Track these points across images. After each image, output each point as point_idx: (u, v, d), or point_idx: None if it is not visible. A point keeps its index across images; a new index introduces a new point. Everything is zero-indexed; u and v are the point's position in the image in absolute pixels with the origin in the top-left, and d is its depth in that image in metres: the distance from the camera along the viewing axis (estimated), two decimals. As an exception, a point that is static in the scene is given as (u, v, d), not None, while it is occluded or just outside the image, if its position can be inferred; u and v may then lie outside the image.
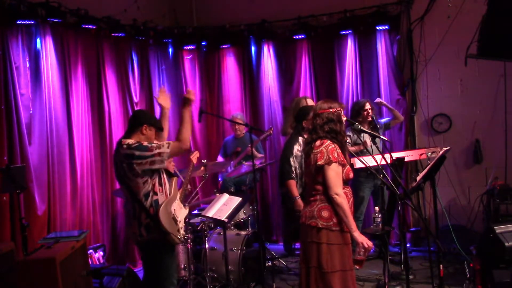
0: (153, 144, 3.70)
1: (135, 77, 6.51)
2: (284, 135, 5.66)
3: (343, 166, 3.56)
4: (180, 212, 3.93)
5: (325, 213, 3.49)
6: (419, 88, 6.56)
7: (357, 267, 3.54)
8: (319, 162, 3.50)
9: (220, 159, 6.87)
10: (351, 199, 3.65)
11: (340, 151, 3.55)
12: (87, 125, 5.83)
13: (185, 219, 4.09)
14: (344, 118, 3.66)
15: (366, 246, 3.43)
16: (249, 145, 6.31)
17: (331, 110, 3.60)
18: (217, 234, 5.37)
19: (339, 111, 3.63)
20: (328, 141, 3.55)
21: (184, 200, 4.26)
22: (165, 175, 3.85)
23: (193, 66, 7.43)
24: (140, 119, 3.83)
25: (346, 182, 3.60)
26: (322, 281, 3.49)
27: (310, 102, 5.34)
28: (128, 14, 6.26)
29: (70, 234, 4.31)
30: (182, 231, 3.90)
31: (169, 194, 3.84)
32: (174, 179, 3.97)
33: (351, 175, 3.66)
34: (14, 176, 4.22)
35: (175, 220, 3.81)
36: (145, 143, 3.71)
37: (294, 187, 4.62)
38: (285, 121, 5.55)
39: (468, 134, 6.37)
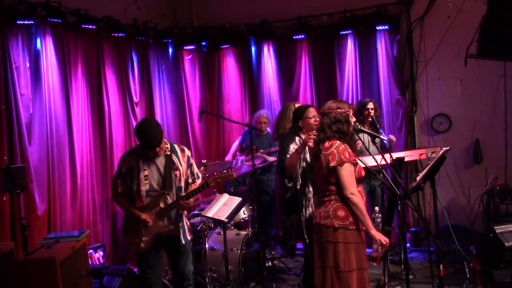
0: (121, 171, 3.94)
1: (135, 77, 6.51)
2: (276, 139, 5.63)
3: (355, 165, 3.58)
4: (150, 225, 3.89)
5: (341, 213, 3.51)
6: (419, 88, 6.57)
7: (374, 264, 3.56)
8: (332, 164, 3.51)
9: (235, 145, 6.83)
10: (365, 197, 3.69)
11: (350, 150, 3.57)
12: (87, 125, 5.83)
13: (157, 234, 3.94)
14: (353, 119, 3.67)
15: (384, 243, 3.46)
16: (269, 145, 6.41)
17: (339, 110, 3.62)
18: (217, 234, 5.37)
19: (348, 112, 3.64)
20: (338, 142, 3.57)
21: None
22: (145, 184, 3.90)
23: (193, 66, 7.42)
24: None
25: (358, 180, 3.63)
26: (338, 280, 3.49)
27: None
28: (128, 14, 6.26)
29: (70, 234, 4.31)
30: (142, 245, 3.89)
31: (144, 203, 3.90)
32: (163, 195, 3.91)
33: (363, 173, 3.70)
34: (14, 176, 4.22)
35: (134, 230, 3.91)
36: (123, 162, 3.97)
37: (291, 156, 4.39)
38: (275, 127, 5.52)
39: (468, 134, 6.37)
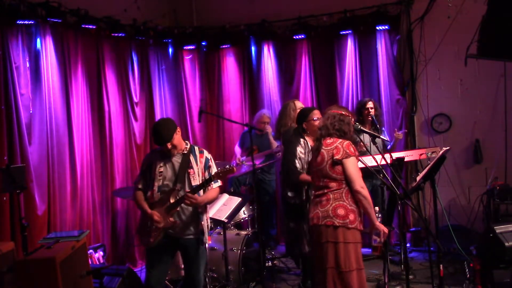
0: (143, 168, 4.13)
1: (135, 77, 6.51)
2: (277, 138, 5.67)
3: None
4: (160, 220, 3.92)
5: (340, 211, 3.53)
6: (419, 88, 6.56)
7: (375, 253, 3.66)
8: (337, 157, 3.55)
9: (238, 149, 6.86)
10: None
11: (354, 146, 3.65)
12: (87, 125, 5.83)
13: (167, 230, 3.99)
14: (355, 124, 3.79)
15: (386, 232, 3.62)
16: (271, 146, 6.44)
17: (342, 113, 3.74)
18: (217, 234, 5.37)
19: (349, 117, 3.76)
20: (340, 139, 3.63)
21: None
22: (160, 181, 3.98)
23: (193, 66, 7.42)
24: None
25: None
26: (340, 281, 3.52)
27: (298, 104, 5.32)
28: (128, 14, 6.26)
29: (70, 234, 4.30)
30: (151, 239, 3.94)
31: (156, 199, 3.96)
32: (174, 190, 3.95)
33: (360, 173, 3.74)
34: (14, 176, 4.21)
35: (146, 223, 3.98)
36: (144, 159, 4.23)
37: (308, 176, 4.36)
38: (276, 126, 5.54)
39: (468, 134, 6.37)
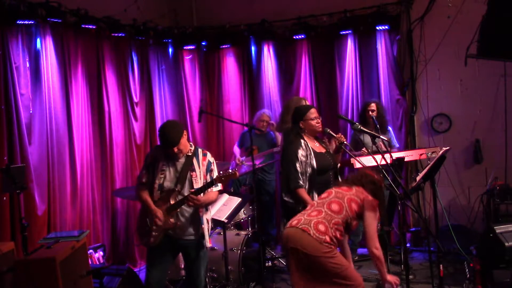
0: (147, 162, 4.04)
1: (135, 77, 6.51)
2: (279, 131, 5.68)
3: None
4: (161, 220, 3.92)
5: (321, 227, 3.44)
6: (419, 88, 6.57)
7: None
8: (368, 199, 3.60)
9: (236, 149, 6.86)
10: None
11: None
12: (87, 125, 5.83)
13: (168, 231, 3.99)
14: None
15: (398, 282, 3.62)
16: (273, 144, 6.46)
17: (374, 176, 3.75)
18: (217, 234, 5.37)
19: (381, 181, 3.76)
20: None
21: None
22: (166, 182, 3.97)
23: (193, 66, 7.43)
24: None
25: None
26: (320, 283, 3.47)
27: (306, 103, 5.29)
28: (128, 14, 6.26)
29: (70, 234, 4.30)
30: (151, 239, 3.94)
31: (155, 197, 3.96)
32: (174, 192, 3.94)
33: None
34: (14, 176, 4.21)
35: (146, 222, 3.96)
36: (150, 154, 4.15)
37: (305, 194, 4.27)
38: (280, 121, 5.51)
39: (468, 134, 6.37)
